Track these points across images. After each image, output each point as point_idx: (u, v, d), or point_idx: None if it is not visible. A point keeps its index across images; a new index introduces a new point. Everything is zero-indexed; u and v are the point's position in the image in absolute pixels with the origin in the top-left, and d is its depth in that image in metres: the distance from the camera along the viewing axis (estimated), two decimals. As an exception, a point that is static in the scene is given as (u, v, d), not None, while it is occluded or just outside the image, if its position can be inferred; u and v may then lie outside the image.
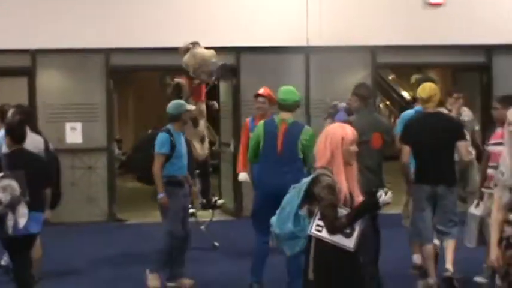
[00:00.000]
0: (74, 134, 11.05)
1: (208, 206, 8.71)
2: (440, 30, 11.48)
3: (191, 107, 7.30)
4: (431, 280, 6.61)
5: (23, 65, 10.99)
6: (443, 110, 7.08)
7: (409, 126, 6.82)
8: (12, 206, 5.91)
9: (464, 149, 6.71)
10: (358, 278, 4.31)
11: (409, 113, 7.51)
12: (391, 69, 19.25)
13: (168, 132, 6.92)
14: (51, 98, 11.10)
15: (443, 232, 6.73)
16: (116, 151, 11.91)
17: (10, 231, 5.93)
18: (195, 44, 8.31)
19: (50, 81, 11.18)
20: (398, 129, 7.18)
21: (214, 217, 10.15)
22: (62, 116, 11.06)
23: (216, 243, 9.03)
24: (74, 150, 11.05)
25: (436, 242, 6.92)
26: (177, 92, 8.23)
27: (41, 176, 6.21)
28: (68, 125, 11.04)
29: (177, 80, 8.37)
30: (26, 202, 5.93)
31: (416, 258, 7.15)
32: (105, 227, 10.76)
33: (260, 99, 8.32)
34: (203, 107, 8.52)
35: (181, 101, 7.21)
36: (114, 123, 11.84)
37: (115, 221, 11.11)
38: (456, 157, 6.79)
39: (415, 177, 6.70)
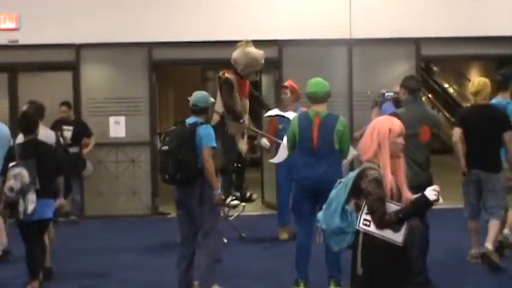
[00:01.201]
0: (117, 128, 11.16)
1: (243, 199, 8.73)
2: (486, 21, 11.25)
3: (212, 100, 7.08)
4: (474, 251, 7.43)
5: (68, 59, 11.12)
6: None
7: (462, 113, 7.63)
8: (22, 192, 6.44)
9: (509, 138, 7.13)
10: (407, 272, 4.25)
11: None
12: (433, 61, 19.02)
13: (209, 124, 6.64)
14: (95, 92, 11.22)
15: (490, 213, 7.20)
16: (159, 145, 11.96)
17: (21, 216, 6.48)
18: (248, 42, 8.31)
19: (93, 75, 11.29)
20: None
21: (257, 211, 10.15)
22: (105, 110, 11.18)
23: (244, 234, 9.09)
24: (117, 144, 11.16)
25: None
26: (229, 87, 8.18)
27: (52, 165, 6.70)
28: (111, 119, 11.15)
29: (227, 75, 8.27)
30: (35, 190, 6.45)
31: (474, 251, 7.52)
32: (148, 220, 10.85)
33: (283, 90, 8.86)
34: (247, 102, 8.50)
35: (206, 93, 6.81)
36: (156, 117, 11.90)
37: (158, 214, 11.19)
38: None
39: (466, 161, 7.22)
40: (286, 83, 9.02)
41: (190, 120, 6.55)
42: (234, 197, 8.62)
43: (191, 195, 6.40)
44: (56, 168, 6.78)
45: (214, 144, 6.45)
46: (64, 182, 6.93)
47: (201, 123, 6.47)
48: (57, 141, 7.56)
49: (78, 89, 11.15)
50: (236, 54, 8.23)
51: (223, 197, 6.83)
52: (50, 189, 6.70)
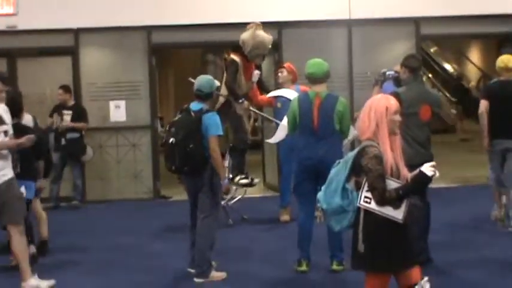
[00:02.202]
0: (118, 112, 11.15)
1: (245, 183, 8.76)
2: (486, -1, 11.23)
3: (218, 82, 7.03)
4: (496, 211, 7.99)
5: (67, 44, 11.08)
6: None
7: (490, 87, 8.08)
8: None
9: None
10: (409, 249, 4.25)
11: None
12: (433, 41, 18.97)
13: (214, 112, 6.54)
14: (95, 76, 11.19)
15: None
16: (159, 128, 11.97)
17: None
18: (258, 25, 8.32)
19: (93, 59, 11.26)
20: None
21: (259, 193, 10.10)
22: (106, 94, 11.16)
23: (245, 216, 9.15)
24: (118, 128, 11.16)
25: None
26: (234, 69, 8.19)
27: (33, 148, 6.83)
28: (112, 103, 11.14)
29: (233, 56, 8.27)
30: (15, 173, 6.57)
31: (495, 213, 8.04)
32: (150, 204, 10.86)
33: (280, 69, 9.07)
34: (251, 85, 8.54)
35: (211, 77, 6.73)
36: (157, 100, 11.88)
37: (160, 198, 11.21)
38: None
39: (490, 132, 7.64)
40: (285, 64, 9.13)
41: (194, 106, 6.44)
42: (243, 176, 8.62)
43: (199, 184, 6.40)
44: (36, 152, 7.05)
45: (221, 132, 6.40)
46: (44, 165, 7.27)
47: (207, 111, 6.38)
48: (35, 124, 7.63)
49: (77, 73, 11.12)
50: (245, 36, 8.25)
51: (229, 186, 6.86)
52: (30, 171, 7.00)
